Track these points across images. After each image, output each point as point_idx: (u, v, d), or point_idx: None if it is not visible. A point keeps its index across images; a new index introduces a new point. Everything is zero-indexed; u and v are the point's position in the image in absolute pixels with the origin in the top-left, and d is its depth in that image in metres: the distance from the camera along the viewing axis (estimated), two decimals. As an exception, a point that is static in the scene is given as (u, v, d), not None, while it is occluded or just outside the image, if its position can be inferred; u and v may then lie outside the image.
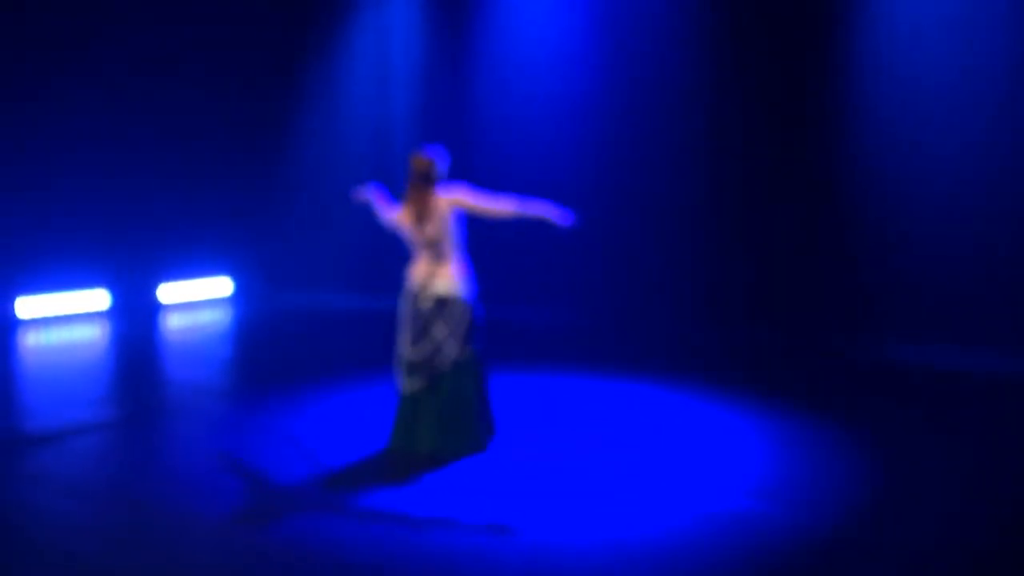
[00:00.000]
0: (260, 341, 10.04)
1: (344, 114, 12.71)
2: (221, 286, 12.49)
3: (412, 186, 5.54)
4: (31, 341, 9.28)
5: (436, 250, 5.56)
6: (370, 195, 5.96)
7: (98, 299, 10.82)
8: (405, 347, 5.66)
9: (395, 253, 11.42)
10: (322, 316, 11.47)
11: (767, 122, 9.61)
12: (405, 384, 5.63)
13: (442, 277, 5.56)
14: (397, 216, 5.70)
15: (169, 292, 11.76)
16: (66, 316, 10.41)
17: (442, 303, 5.56)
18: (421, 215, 5.50)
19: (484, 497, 5.04)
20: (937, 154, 8.81)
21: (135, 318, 10.67)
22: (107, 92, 10.62)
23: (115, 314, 10.78)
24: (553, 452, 5.81)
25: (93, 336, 9.70)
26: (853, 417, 6.73)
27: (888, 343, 9.05)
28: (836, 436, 6.25)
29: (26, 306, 10.15)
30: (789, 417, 6.69)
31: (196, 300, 12.04)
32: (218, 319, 11.09)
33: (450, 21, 11.66)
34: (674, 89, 10.12)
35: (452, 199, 5.47)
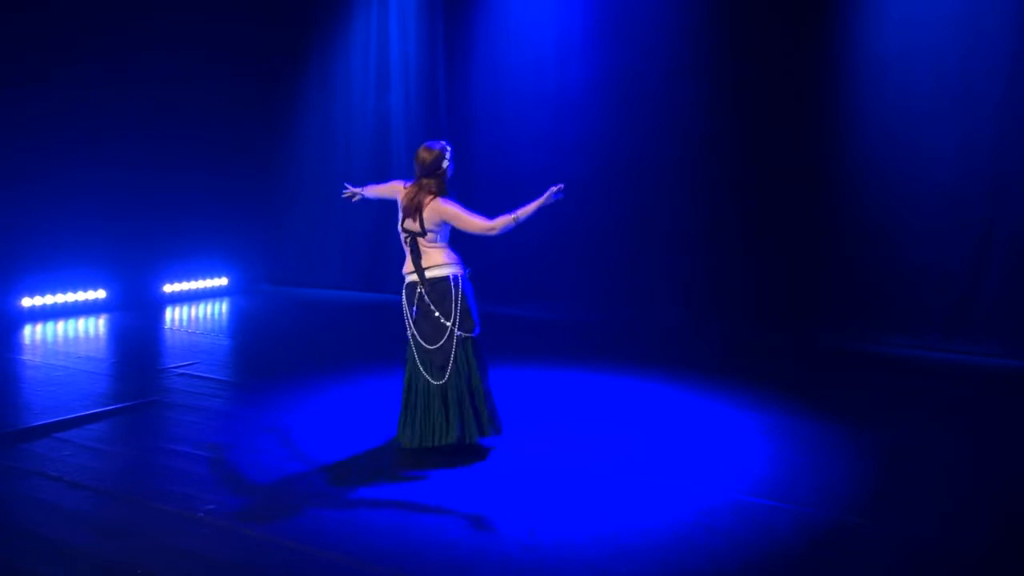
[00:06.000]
0: (260, 335, 10.05)
1: (342, 112, 12.73)
2: (221, 281, 12.52)
3: (417, 178, 5.58)
4: (33, 335, 9.29)
5: (418, 244, 5.57)
6: (353, 188, 6.06)
7: (99, 294, 10.83)
8: (415, 341, 5.64)
9: (391, 249, 11.49)
10: (321, 310, 11.50)
11: (767, 120, 9.63)
12: (422, 379, 5.59)
13: (430, 264, 5.56)
14: (397, 188, 5.71)
15: (170, 287, 11.79)
16: (67, 310, 10.44)
17: (437, 285, 5.55)
18: (414, 209, 5.51)
19: (486, 491, 5.05)
20: (937, 154, 8.85)
21: (136, 312, 10.68)
22: (106, 92, 10.64)
23: (116, 308, 10.80)
24: (556, 447, 5.83)
25: (94, 330, 9.71)
26: (855, 412, 6.75)
27: (889, 338, 9.08)
28: (838, 431, 6.28)
29: (29, 301, 10.17)
30: (791, 412, 6.72)
31: (196, 294, 12.08)
32: (218, 313, 11.11)
33: (448, 18, 11.67)
34: (674, 87, 10.13)
35: (443, 213, 5.47)
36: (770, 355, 8.87)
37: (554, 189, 5.43)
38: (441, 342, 5.54)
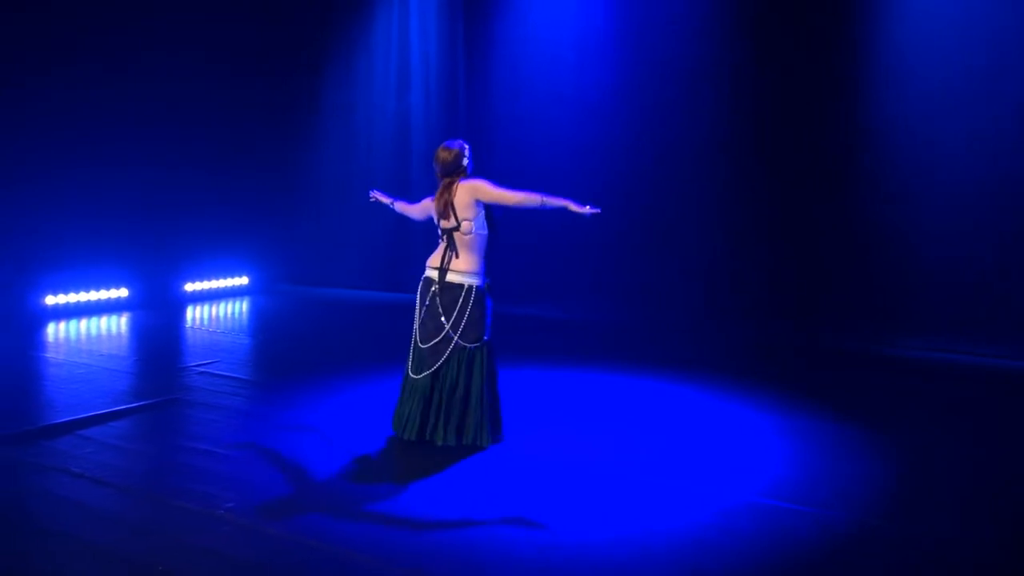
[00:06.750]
0: (280, 334, 10.09)
1: (363, 112, 12.77)
2: (241, 280, 12.58)
3: (442, 180, 5.62)
4: (56, 333, 9.36)
5: (455, 240, 5.59)
6: (382, 196, 6.14)
7: (121, 292, 10.91)
8: (416, 334, 5.70)
9: (411, 248, 11.52)
10: (341, 310, 11.54)
11: (784, 123, 9.62)
12: (413, 371, 5.65)
13: (455, 266, 5.58)
14: (426, 204, 5.78)
15: (191, 286, 11.86)
16: (90, 309, 10.52)
17: (451, 291, 5.57)
18: (445, 207, 5.54)
19: (503, 493, 5.04)
20: (951, 155, 8.83)
21: (157, 311, 10.75)
22: (129, 92, 10.71)
23: (138, 307, 10.88)
24: (572, 447, 5.82)
25: (116, 328, 9.78)
26: (871, 413, 6.74)
27: (905, 341, 9.05)
28: (854, 432, 6.25)
29: (52, 299, 10.25)
30: (806, 414, 6.70)
31: (217, 293, 12.15)
32: (239, 312, 11.16)
33: (468, 19, 11.69)
34: (691, 88, 10.12)
35: (472, 189, 5.50)
36: (786, 356, 8.86)
37: (589, 209, 5.41)
38: (437, 344, 5.56)
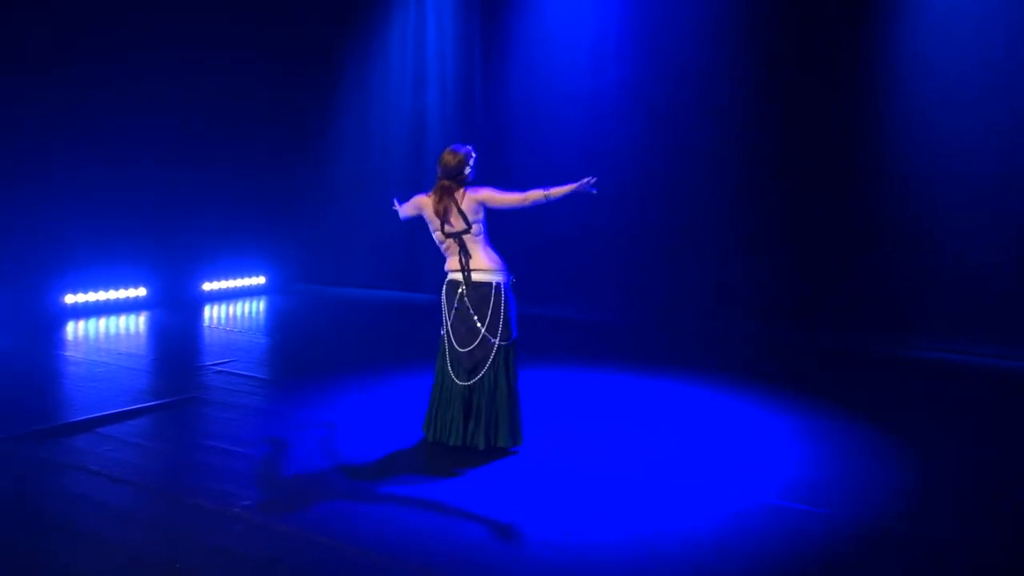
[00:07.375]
0: (296, 334, 10.17)
1: (378, 111, 12.82)
2: (258, 280, 12.66)
3: (440, 182, 5.63)
4: (76, 332, 9.47)
5: (466, 242, 5.63)
6: (399, 205, 6.11)
7: (140, 291, 11.01)
8: (446, 340, 5.71)
9: (426, 249, 11.57)
10: (357, 310, 11.60)
11: (801, 124, 9.61)
12: (448, 377, 5.67)
13: (476, 265, 5.61)
14: (421, 202, 5.73)
15: (208, 285, 11.95)
16: (109, 307, 10.62)
17: (480, 288, 5.60)
18: (447, 211, 5.56)
19: (515, 493, 5.08)
20: (968, 154, 8.80)
21: (175, 310, 10.85)
22: (147, 92, 10.80)
23: (156, 306, 10.98)
24: (586, 448, 5.85)
25: (135, 327, 9.88)
26: (877, 413, 6.76)
27: (921, 341, 9.04)
28: (869, 434, 6.28)
29: (72, 298, 10.36)
30: (821, 415, 6.73)
31: (234, 293, 12.24)
32: (255, 312, 11.25)
33: (484, 17, 11.72)
34: (707, 90, 10.13)
35: (483, 198, 5.53)
36: (800, 358, 8.86)
37: (588, 180, 5.44)
38: (473, 347, 5.59)
